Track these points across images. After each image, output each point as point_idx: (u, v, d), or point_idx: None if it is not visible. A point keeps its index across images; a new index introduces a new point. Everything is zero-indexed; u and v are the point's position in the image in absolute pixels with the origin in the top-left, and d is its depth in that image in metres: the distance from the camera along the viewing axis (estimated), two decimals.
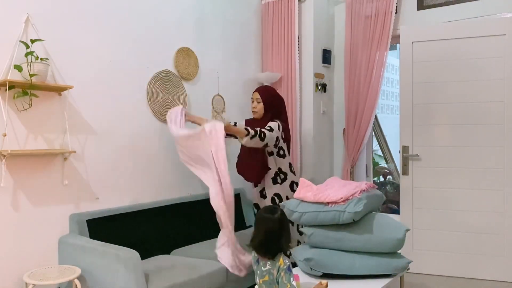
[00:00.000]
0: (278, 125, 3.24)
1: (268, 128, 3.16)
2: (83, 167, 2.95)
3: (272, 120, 3.27)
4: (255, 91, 3.40)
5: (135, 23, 3.28)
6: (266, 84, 4.24)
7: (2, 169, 2.54)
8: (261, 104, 3.32)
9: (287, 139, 3.38)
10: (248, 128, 3.06)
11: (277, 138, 3.23)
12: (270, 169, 3.32)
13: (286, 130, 3.35)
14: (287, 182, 3.36)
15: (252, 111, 3.41)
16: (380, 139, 5.77)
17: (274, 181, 3.33)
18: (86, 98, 2.97)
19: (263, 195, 3.38)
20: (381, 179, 6.19)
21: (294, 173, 3.44)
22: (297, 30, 4.18)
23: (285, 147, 3.35)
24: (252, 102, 3.40)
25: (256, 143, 3.08)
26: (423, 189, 3.86)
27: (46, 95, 2.75)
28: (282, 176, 3.33)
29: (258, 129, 3.09)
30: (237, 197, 4.03)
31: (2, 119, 2.54)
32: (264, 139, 3.09)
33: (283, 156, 3.34)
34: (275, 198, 3.33)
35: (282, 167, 3.34)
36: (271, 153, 3.30)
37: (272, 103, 3.34)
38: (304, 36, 4.29)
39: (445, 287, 3.55)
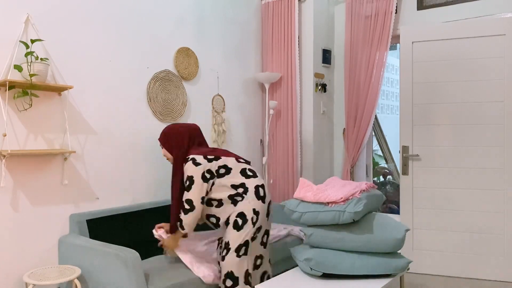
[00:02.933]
0: (195, 163, 2.66)
1: (187, 183, 2.66)
2: (83, 167, 2.95)
3: (185, 161, 2.71)
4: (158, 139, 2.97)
5: (135, 23, 3.28)
6: (267, 84, 4.24)
7: (2, 169, 2.54)
8: (163, 149, 2.88)
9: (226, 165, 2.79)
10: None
11: (203, 176, 2.67)
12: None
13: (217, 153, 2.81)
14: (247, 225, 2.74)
15: None
16: (380, 139, 5.78)
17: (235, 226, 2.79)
18: (86, 98, 2.97)
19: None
20: (381, 179, 6.19)
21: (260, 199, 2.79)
22: (297, 30, 4.18)
23: (224, 183, 2.73)
24: None
25: (191, 220, 2.66)
26: (423, 189, 3.86)
27: (46, 95, 2.75)
28: (236, 221, 2.72)
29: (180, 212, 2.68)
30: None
31: (2, 119, 2.54)
32: (192, 207, 2.64)
33: (219, 205, 2.75)
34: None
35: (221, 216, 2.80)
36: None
37: (168, 141, 2.85)
38: (304, 36, 4.29)
39: (445, 287, 3.55)
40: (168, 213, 3.35)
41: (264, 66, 4.44)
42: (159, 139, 2.92)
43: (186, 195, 2.65)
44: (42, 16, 2.73)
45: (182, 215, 2.66)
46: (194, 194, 2.64)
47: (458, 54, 3.72)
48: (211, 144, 3.91)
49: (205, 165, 2.69)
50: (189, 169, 2.67)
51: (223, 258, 2.68)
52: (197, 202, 2.64)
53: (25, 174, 2.66)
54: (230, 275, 2.66)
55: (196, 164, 2.67)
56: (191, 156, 2.71)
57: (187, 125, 2.94)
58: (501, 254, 3.61)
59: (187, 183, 2.66)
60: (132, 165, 3.25)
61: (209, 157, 2.74)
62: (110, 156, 3.12)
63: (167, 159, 2.89)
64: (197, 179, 2.65)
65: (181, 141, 2.82)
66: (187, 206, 2.65)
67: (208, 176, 2.69)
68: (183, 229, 2.68)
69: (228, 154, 2.85)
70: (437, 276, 3.76)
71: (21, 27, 2.62)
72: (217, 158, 2.76)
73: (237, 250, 2.65)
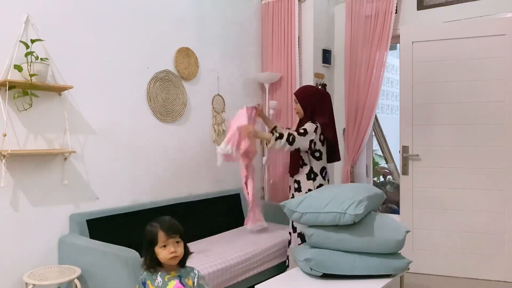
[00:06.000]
0: (316, 128, 3.17)
1: (302, 130, 3.13)
2: (83, 167, 2.95)
3: (311, 121, 3.21)
4: (294, 93, 3.40)
5: (135, 23, 3.28)
6: (267, 84, 4.24)
7: (2, 169, 2.54)
8: (298, 105, 3.31)
9: (328, 139, 3.29)
10: (275, 131, 3.17)
11: (312, 141, 3.15)
12: (306, 164, 3.25)
13: (327, 130, 3.26)
14: (316, 183, 3.24)
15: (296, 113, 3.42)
16: (380, 139, 5.77)
17: (308, 177, 3.25)
18: (86, 98, 2.97)
19: (298, 188, 3.29)
20: (381, 179, 6.19)
21: (324, 178, 3.29)
22: (297, 30, 4.18)
23: (323, 150, 3.26)
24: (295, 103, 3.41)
25: (282, 146, 3.09)
26: (423, 189, 3.86)
27: (46, 95, 2.75)
28: (312, 175, 3.24)
29: (286, 132, 3.12)
30: (237, 197, 4.04)
31: (2, 119, 2.54)
32: (293, 143, 3.09)
33: (318, 158, 3.24)
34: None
35: (314, 167, 3.24)
36: (306, 152, 3.23)
37: (310, 101, 3.28)
38: (304, 36, 4.29)
39: (445, 287, 3.55)
40: (168, 214, 3.35)
41: (264, 66, 4.44)
42: (297, 95, 3.33)
43: (294, 133, 3.14)
44: (42, 16, 2.72)
45: (275, 135, 3.09)
46: (302, 137, 3.13)
47: (458, 54, 3.72)
48: (210, 144, 3.91)
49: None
50: (309, 127, 3.16)
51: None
52: (298, 142, 3.11)
53: (25, 174, 2.66)
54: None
55: (316, 130, 3.18)
56: (318, 123, 3.20)
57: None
58: (501, 254, 3.61)
59: (302, 131, 3.14)
60: (132, 165, 3.25)
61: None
62: (110, 156, 3.11)
63: (296, 111, 3.38)
64: (310, 135, 3.14)
65: (321, 110, 3.27)
66: (289, 136, 3.09)
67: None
68: (275, 139, 3.07)
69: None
70: (437, 276, 3.76)
71: (21, 27, 2.62)
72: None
73: None
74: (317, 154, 3.24)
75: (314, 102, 3.28)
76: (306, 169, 3.24)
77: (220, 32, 4.00)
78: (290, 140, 3.08)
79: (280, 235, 3.53)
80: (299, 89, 3.44)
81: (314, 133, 3.16)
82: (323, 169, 3.29)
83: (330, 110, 3.34)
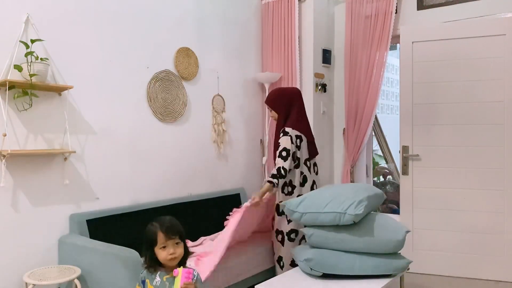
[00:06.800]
0: (291, 138, 3.06)
1: (284, 153, 3.01)
2: (83, 167, 2.95)
3: (283, 133, 3.09)
4: (265, 101, 3.37)
5: (135, 23, 3.28)
6: (267, 84, 4.24)
7: (2, 169, 2.54)
8: (273, 111, 3.28)
9: (302, 136, 3.17)
10: (270, 179, 2.97)
11: (294, 154, 3.08)
12: None
13: (300, 126, 3.16)
14: (294, 195, 3.12)
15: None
16: (380, 139, 5.77)
17: (282, 190, 3.16)
18: (86, 98, 2.97)
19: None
20: (381, 179, 6.19)
21: (302, 184, 3.16)
22: (297, 30, 4.18)
23: (299, 154, 3.13)
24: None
25: (282, 182, 3.01)
26: (423, 189, 3.86)
27: (46, 95, 2.75)
28: (289, 188, 3.14)
29: (275, 171, 2.98)
30: (237, 197, 4.03)
31: (2, 119, 2.54)
32: (286, 173, 2.99)
33: (297, 166, 3.13)
34: (278, 206, 3.20)
35: (293, 180, 3.14)
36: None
37: (279, 102, 3.24)
38: (304, 36, 4.29)
39: (445, 287, 3.55)
40: (168, 214, 3.35)
41: (264, 66, 4.44)
42: (267, 102, 3.33)
43: (280, 166, 3.01)
44: (42, 16, 2.72)
45: (274, 182, 2.97)
46: (284, 161, 3.02)
47: (458, 54, 3.72)
48: (210, 144, 3.91)
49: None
50: (285, 142, 3.05)
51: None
52: (286, 167, 3.00)
53: (25, 174, 2.66)
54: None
55: (292, 140, 3.08)
56: (290, 130, 3.10)
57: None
58: (501, 254, 3.61)
59: (283, 155, 3.04)
60: (132, 165, 3.25)
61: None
62: (110, 156, 3.11)
63: (272, 117, 3.33)
64: (289, 148, 3.04)
65: (291, 107, 3.21)
66: (279, 172, 3.00)
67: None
68: (273, 185, 2.97)
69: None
70: (437, 276, 3.76)
71: (21, 27, 2.62)
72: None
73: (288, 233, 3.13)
74: (295, 162, 3.13)
75: (284, 102, 3.22)
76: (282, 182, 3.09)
77: (220, 32, 4.00)
78: (282, 173, 2.98)
79: None
80: (267, 97, 3.37)
81: (292, 145, 3.07)
82: (301, 174, 3.15)
83: (300, 105, 3.26)
